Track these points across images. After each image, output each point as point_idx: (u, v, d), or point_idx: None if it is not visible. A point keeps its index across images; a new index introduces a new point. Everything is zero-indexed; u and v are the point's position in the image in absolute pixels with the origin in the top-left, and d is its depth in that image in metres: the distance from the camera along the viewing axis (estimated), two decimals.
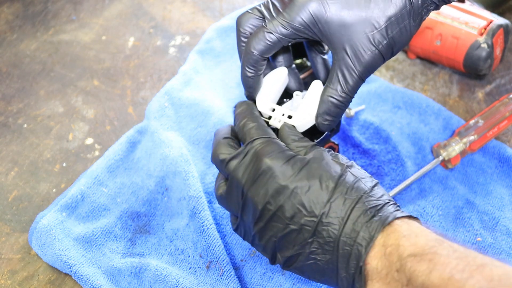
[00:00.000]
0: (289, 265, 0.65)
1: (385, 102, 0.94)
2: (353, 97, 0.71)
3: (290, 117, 0.72)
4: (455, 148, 0.85)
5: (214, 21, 1.10)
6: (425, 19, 0.70)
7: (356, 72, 0.68)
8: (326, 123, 0.71)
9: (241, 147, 0.68)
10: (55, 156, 0.91)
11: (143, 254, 0.80)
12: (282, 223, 0.63)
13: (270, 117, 0.73)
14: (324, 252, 0.62)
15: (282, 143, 0.67)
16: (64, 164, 0.90)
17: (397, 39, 0.68)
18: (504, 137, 0.91)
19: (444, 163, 0.86)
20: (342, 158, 0.66)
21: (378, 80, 0.98)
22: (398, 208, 0.63)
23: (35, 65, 1.04)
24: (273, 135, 0.68)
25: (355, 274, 0.60)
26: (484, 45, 0.93)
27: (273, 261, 0.66)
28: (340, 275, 0.62)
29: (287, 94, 0.77)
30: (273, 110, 0.73)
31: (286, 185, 0.63)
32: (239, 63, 1.01)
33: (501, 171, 0.86)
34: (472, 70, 0.95)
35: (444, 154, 0.86)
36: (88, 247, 0.80)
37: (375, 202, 0.62)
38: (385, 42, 0.68)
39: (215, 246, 0.77)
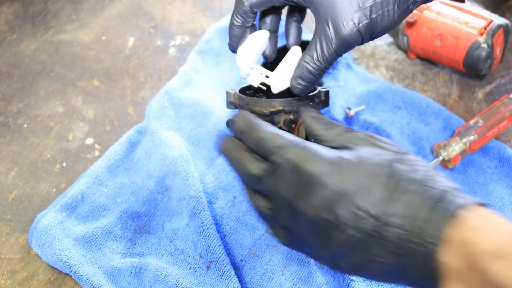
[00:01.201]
0: (354, 271, 0.60)
1: (385, 102, 0.94)
2: (328, 69, 0.73)
3: (267, 77, 0.76)
4: (455, 148, 0.85)
5: (214, 21, 1.10)
6: (412, 9, 0.71)
7: (333, 45, 0.70)
8: (299, 86, 0.74)
9: (270, 160, 0.62)
10: (55, 156, 0.91)
11: (143, 254, 0.80)
12: (340, 230, 0.58)
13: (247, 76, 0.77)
14: (389, 254, 0.57)
15: (315, 144, 0.61)
16: (64, 164, 0.90)
17: (379, 22, 0.70)
18: (504, 137, 0.91)
19: (444, 163, 0.86)
20: (388, 143, 0.62)
21: (378, 80, 0.98)
22: (459, 193, 0.57)
23: (35, 65, 1.04)
24: (297, 138, 0.62)
25: (428, 274, 0.55)
26: (484, 45, 0.93)
27: (335, 268, 0.61)
28: (411, 276, 0.57)
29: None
30: (252, 69, 0.77)
31: (336, 190, 0.57)
32: None
33: (501, 171, 0.86)
34: (472, 70, 0.95)
35: (444, 154, 0.86)
36: (88, 247, 0.80)
37: (434, 191, 0.56)
38: (365, 22, 0.69)
39: (215, 246, 0.77)
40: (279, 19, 0.79)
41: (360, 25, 0.69)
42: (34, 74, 1.03)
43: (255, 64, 0.77)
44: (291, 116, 0.79)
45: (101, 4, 1.15)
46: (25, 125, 0.96)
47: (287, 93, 0.78)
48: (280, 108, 0.78)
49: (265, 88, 0.78)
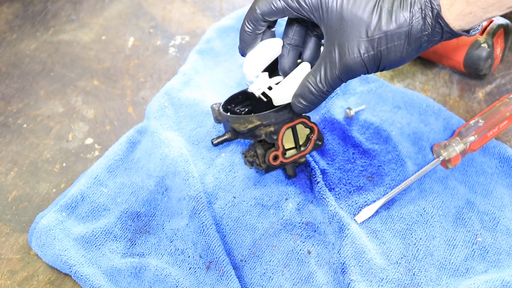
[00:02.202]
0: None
1: (385, 102, 0.94)
2: (331, 92, 0.71)
3: (270, 88, 0.75)
4: (456, 148, 0.85)
5: (214, 21, 1.10)
6: (426, 48, 0.68)
7: (337, 71, 0.69)
8: (299, 105, 0.72)
9: None
10: (55, 156, 0.91)
11: (143, 254, 0.79)
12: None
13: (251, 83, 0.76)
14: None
15: None
16: (64, 164, 0.90)
17: (385, 56, 0.67)
18: (504, 137, 0.91)
19: (444, 163, 0.86)
20: None
21: (378, 80, 0.97)
22: None
23: (35, 65, 1.04)
24: None
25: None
26: (485, 45, 0.93)
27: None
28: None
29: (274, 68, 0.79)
30: (256, 77, 0.75)
31: None
32: (239, 63, 1.01)
33: (501, 171, 0.86)
34: (472, 70, 0.95)
35: (444, 154, 0.85)
36: (88, 247, 0.79)
37: None
38: (371, 53, 0.67)
39: (215, 246, 0.77)
40: (303, 34, 0.76)
41: (365, 55, 0.67)
42: (34, 74, 1.03)
43: (261, 73, 0.75)
44: (271, 128, 0.77)
45: (101, 4, 1.15)
46: (25, 125, 0.96)
47: (268, 105, 0.76)
48: (258, 123, 0.76)
49: (258, 98, 0.77)
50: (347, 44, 0.67)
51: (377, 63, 0.68)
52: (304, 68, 0.74)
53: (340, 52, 0.68)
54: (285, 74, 0.77)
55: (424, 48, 0.68)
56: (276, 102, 0.74)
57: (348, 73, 0.69)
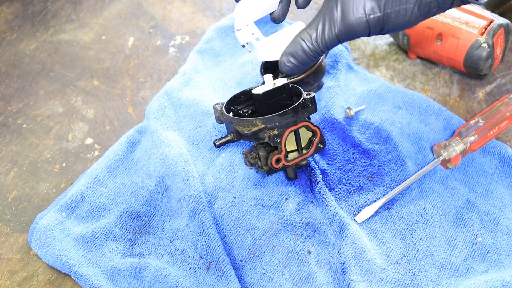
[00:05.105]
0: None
1: (386, 102, 0.94)
2: (324, 53, 0.68)
3: (258, 40, 0.72)
4: (456, 148, 0.85)
5: (214, 21, 1.10)
6: (435, 13, 0.65)
7: (336, 29, 0.65)
8: (288, 64, 0.69)
9: None
10: (54, 156, 0.91)
11: (143, 254, 0.79)
12: None
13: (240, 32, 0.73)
14: None
15: None
16: (64, 164, 0.90)
17: (392, 19, 0.64)
18: (504, 137, 0.91)
19: (445, 163, 0.86)
20: None
21: (378, 80, 0.97)
22: None
23: (35, 65, 1.04)
24: None
25: None
26: (485, 45, 0.92)
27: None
28: None
29: None
30: (246, 26, 0.72)
31: None
32: (239, 63, 1.01)
33: (501, 171, 0.86)
34: (472, 70, 0.95)
35: (444, 154, 0.85)
36: (88, 247, 0.79)
37: None
38: (377, 15, 0.64)
39: (215, 246, 0.77)
40: None
41: (371, 16, 0.64)
42: (33, 74, 1.03)
43: (253, 23, 0.72)
44: (275, 132, 0.77)
45: (100, 4, 1.14)
46: (25, 125, 0.96)
47: (271, 107, 0.76)
48: (262, 126, 0.76)
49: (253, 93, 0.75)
50: (353, 2, 0.64)
51: (381, 26, 0.65)
52: (297, 26, 0.70)
53: (343, 10, 0.64)
54: (278, 21, 0.74)
55: (432, 14, 0.65)
56: (261, 56, 0.71)
57: (348, 33, 0.65)
